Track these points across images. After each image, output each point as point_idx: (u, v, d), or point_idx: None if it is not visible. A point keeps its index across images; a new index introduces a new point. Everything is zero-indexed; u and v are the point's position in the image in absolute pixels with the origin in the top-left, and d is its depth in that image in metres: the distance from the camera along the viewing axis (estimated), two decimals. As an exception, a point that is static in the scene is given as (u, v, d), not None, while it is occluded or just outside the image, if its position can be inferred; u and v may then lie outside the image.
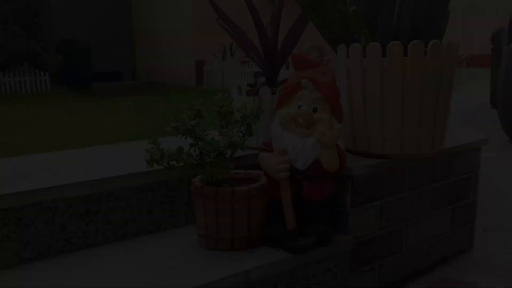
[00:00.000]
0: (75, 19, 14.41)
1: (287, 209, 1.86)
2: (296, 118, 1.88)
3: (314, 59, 1.99)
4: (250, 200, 1.82)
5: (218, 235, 1.73)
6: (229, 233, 1.78)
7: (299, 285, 1.76)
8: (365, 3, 2.05)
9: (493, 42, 7.00)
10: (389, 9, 1.98)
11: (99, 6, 15.33)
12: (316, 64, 1.98)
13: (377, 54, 1.99)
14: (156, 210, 1.95)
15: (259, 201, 1.85)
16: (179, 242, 1.83)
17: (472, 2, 18.47)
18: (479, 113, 6.50)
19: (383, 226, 2.05)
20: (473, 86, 10.03)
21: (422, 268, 2.19)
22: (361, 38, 2.04)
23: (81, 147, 2.31)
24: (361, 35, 2.03)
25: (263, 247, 1.75)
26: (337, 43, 2.11)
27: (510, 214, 2.78)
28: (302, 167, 1.87)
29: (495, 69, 6.40)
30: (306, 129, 1.88)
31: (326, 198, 1.95)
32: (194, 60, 14.28)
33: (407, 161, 2.02)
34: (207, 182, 1.82)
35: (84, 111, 8.22)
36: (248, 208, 1.83)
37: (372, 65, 2.02)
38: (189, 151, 1.80)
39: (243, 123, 1.94)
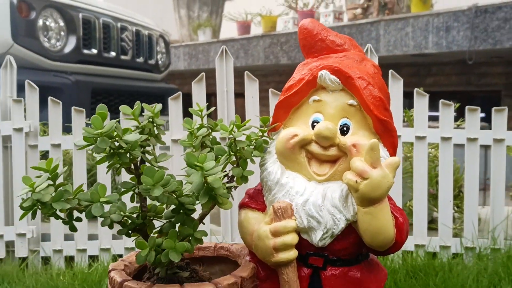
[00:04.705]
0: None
1: (294, 326, 0.98)
2: (309, 145, 1.02)
3: (342, 36, 1.16)
4: (217, 310, 0.95)
5: None
6: None
7: None
8: None
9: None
10: None
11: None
12: (344, 43, 1.14)
13: None
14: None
15: (236, 311, 0.97)
16: None
17: None
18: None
19: None
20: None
21: None
22: None
23: None
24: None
25: None
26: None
27: None
28: (321, 242, 1.00)
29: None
30: (328, 166, 1.02)
31: (368, 301, 1.06)
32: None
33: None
34: (153, 265, 1.01)
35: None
36: (214, 326, 0.95)
37: None
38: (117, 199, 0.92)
39: (230, 157, 1.06)
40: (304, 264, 1.05)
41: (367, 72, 1.09)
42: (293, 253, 1.00)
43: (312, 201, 1.01)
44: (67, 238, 1.87)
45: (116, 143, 0.93)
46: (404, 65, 5.93)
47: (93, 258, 1.86)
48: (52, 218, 1.81)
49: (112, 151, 0.94)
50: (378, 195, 0.97)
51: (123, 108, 1.03)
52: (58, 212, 0.94)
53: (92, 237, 1.86)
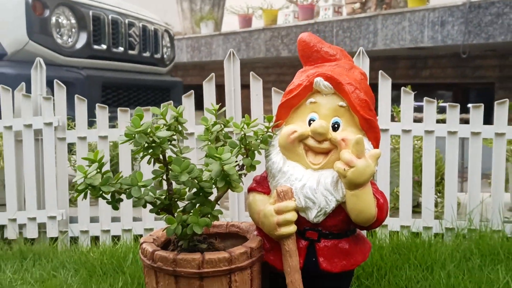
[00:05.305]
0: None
1: (293, 287, 1.24)
2: (306, 139, 1.25)
3: (334, 47, 1.38)
4: (232, 274, 1.19)
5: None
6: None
7: None
8: None
9: None
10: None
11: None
12: (336, 53, 1.37)
13: None
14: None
15: (246, 275, 1.22)
16: None
17: None
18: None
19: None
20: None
21: None
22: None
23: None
24: None
25: None
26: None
27: None
28: (316, 219, 1.24)
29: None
30: (322, 156, 1.25)
31: (355, 267, 1.30)
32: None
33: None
34: (178, 238, 1.25)
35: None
36: (229, 287, 1.20)
37: None
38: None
39: (240, 149, 1.29)
40: (302, 237, 1.29)
41: (355, 79, 1.32)
42: (293, 228, 1.24)
43: (309, 185, 1.24)
44: (93, 220, 2.11)
45: (150, 139, 1.17)
46: (401, 58, 6.15)
47: (116, 238, 2.11)
48: (79, 203, 2.06)
49: (147, 145, 1.18)
50: (362, 180, 1.20)
51: (153, 110, 1.26)
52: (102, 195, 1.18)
53: (114, 219, 2.10)
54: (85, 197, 1.15)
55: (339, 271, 1.28)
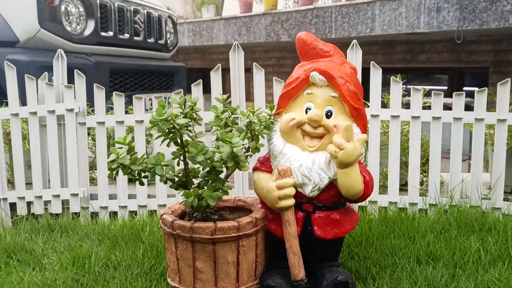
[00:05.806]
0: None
1: (292, 251, 1.45)
2: (303, 125, 1.47)
3: (328, 44, 1.59)
4: (240, 240, 1.42)
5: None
6: (211, 285, 1.39)
7: None
8: None
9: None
10: None
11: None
12: (329, 50, 1.58)
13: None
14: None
15: (252, 240, 1.45)
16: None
17: None
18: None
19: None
20: None
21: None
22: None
23: None
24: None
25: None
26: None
27: None
28: (311, 193, 1.46)
29: None
30: (316, 140, 1.47)
31: (344, 235, 1.53)
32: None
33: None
34: (193, 210, 1.48)
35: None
36: (237, 251, 1.42)
37: None
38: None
39: (246, 134, 1.51)
40: (299, 209, 1.51)
41: (346, 73, 1.53)
42: (291, 201, 1.46)
43: (305, 165, 1.47)
44: (111, 197, 2.35)
45: (171, 125, 1.39)
46: (399, 42, 6.31)
47: (132, 213, 2.35)
48: (98, 181, 2.28)
49: (167, 130, 1.40)
50: (351, 160, 1.43)
51: (172, 100, 1.48)
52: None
53: (131, 196, 2.34)
54: (116, 174, 1.38)
55: (331, 238, 1.51)
